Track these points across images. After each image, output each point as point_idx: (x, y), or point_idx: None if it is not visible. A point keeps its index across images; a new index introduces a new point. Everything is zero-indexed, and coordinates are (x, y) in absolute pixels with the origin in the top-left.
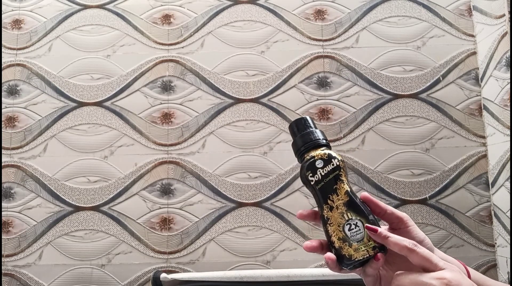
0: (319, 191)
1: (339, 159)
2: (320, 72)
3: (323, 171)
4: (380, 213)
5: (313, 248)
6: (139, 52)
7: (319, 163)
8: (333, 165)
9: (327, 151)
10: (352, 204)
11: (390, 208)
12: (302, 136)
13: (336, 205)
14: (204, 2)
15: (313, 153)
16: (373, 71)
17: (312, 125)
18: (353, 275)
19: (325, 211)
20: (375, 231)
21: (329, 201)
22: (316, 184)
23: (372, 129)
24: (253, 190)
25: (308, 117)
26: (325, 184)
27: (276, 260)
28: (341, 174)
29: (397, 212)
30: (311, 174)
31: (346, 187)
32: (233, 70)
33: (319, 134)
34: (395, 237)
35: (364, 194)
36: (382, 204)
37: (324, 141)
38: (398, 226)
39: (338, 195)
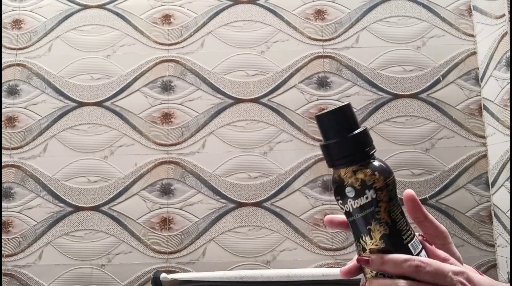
0: (351, 223)
1: (378, 187)
2: (320, 72)
3: (354, 204)
4: (419, 218)
5: (351, 273)
6: (139, 52)
7: (349, 191)
8: (367, 198)
9: (362, 176)
10: (389, 252)
11: (430, 216)
12: (335, 143)
13: (369, 249)
14: (204, 2)
15: (343, 174)
16: (373, 71)
17: (351, 121)
18: None
19: (358, 248)
20: (367, 262)
21: (361, 241)
22: (347, 215)
23: (372, 129)
24: (253, 190)
25: (345, 107)
26: (356, 220)
27: (276, 260)
28: (379, 211)
29: (438, 224)
30: (341, 201)
31: (384, 230)
32: (233, 70)
33: (357, 141)
34: (393, 257)
35: (409, 193)
36: (424, 209)
37: (363, 155)
38: (434, 240)
39: (372, 239)
